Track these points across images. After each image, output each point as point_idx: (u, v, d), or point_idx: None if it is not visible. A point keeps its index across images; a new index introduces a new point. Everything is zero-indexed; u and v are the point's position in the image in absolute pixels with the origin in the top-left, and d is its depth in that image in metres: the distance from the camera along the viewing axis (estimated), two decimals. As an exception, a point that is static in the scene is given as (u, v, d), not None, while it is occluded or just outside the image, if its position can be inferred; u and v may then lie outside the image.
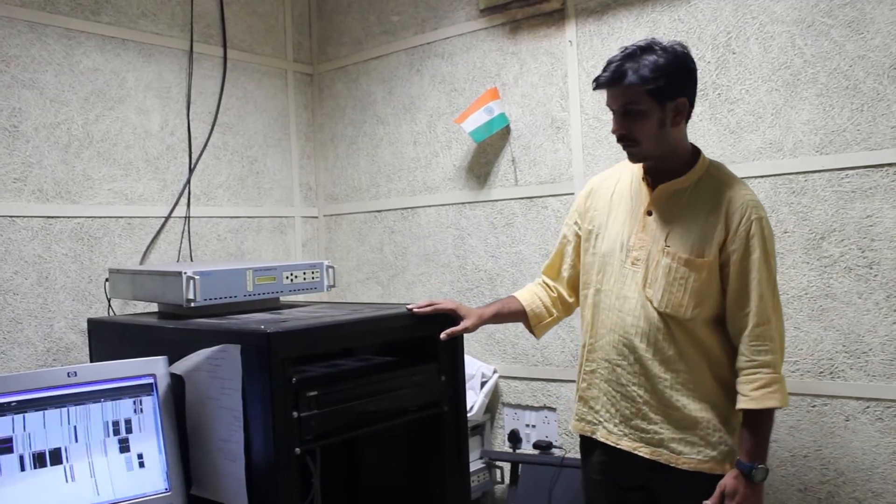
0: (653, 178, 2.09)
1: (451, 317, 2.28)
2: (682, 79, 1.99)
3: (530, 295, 2.36)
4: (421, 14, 3.61)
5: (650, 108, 1.97)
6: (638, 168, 2.13)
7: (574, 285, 2.31)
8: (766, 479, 1.94)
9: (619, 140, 2.05)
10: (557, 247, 2.36)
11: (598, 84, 2.03)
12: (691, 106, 2.04)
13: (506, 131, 3.32)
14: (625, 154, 2.09)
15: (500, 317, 2.36)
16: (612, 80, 2.00)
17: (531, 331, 2.36)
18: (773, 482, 2.63)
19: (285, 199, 3.87)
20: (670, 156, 2.04)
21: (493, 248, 3.39)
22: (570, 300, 2.34)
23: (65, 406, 1.90)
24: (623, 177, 2.18)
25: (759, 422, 1.95)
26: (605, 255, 2.14)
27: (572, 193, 3.13)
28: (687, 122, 2.05)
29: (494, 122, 3.26)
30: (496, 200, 3.37)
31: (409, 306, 2.27)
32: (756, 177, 2.65)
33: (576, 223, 2.28)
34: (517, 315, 2.36)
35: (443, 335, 2.24)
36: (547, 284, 2.37)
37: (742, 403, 1.94)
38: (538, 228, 3.25)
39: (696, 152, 2.08)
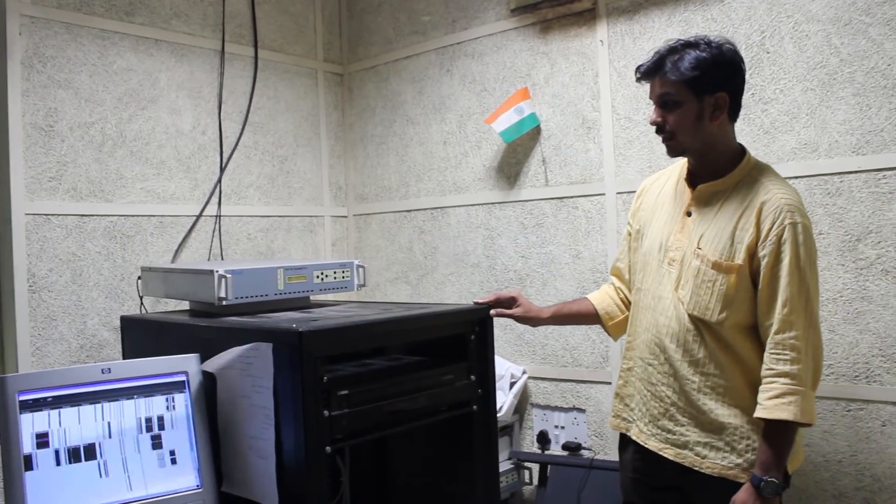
0: (695, 177, 2.07)
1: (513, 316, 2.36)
2: (722, 74, 1.97)
3: (601, 294, 2.38)
4: (451, 14, 3.61)
5: (686, 100, 1.96)
6: (684, 168, 2.12)
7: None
8: (778, 493, 1.87)
9: (657, 131, 2.04)
10: (620, 247, 2.36)
11: (637, 73, 2.04)
12: (735, 103, 2.02)
13: (536, 131, 3.32)
14: (662, 156, 2.08)
15: (560, 317, 2.38)
16: (650, 70, 2.01)
17: (606, 331, 2.36)
18: (806, 488, 2.61)
19: (315, 198, 3.89)
20: (710, 152, 2.02)
21: (523, 248, 3.38)
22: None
23: (99, 402, 1.92)
24: (672, 177, 2.17)
25: (774, 433, 1.87)
26: (646, 254, 2.14)
27: (603, 194, 3.12)
28: (734, 120, 2.03)
29: (525, 122, 3.26)
30: (526, 201, 3.37)
31: (476, 300, 2.37)
32: (790, 178, 2.62)
33: (629, 223, 2.28)
34: (586, 316, 2.37)
35: (492, 312, 2.31)
36: (613, 284, 2.38)
37: (756, 412, 1.90)
38: (568, 229, 3.23)
39: (741, 153, 2.06)
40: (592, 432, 3.19)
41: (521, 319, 2.37)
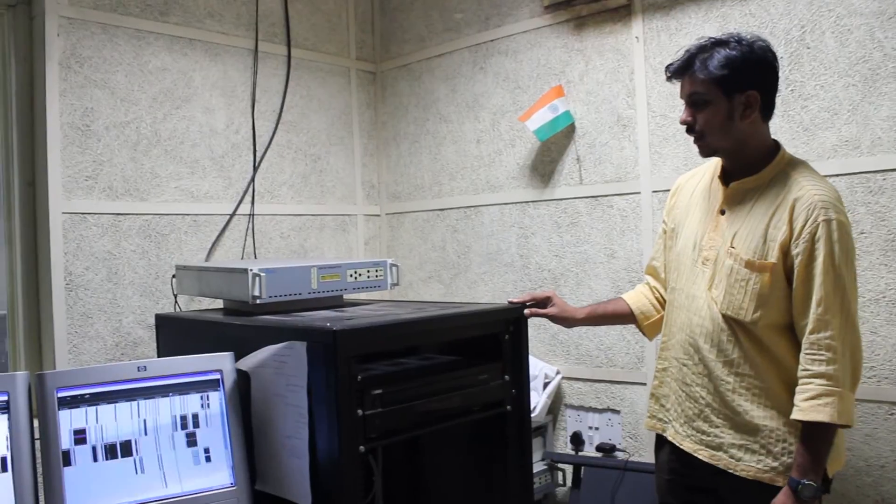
0: (728, 175, 2.06)
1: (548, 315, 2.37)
2: (753, 72, 1.95)
3: (636, 294, 2.37)
4: (484, 11, 3.61)
5: (716, 99, 1.95)
6: (718, 166, 2.10)
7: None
8: (817, 497, 1.84)
9: (687, 131, 2.03)
10: (656, 246, 2.35)
11: (667, 72, 2.03)
12: (767, 101, 2.00)
13: (570, 129, 3.30)
14: (699, 154, 2.07)
15: (595, 317, 2.39)
16: (679, 68, 2.00)
17: (642, 331, 2.36)
18: (847, 492, 2.57)
19: (348, 197, 3.91)
20: (742, 151, 2.00)
21: (558, 247, 3.37)
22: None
23: (135, 399, 1.94)
24: (706, 174, 2.16)
25: (812, 435, 1.85)
26: (680, 253, 2.13)
27: (638, 192, 3.11)
28: (768, 118, 2.01)
29: (559, 120, 3.25)
30: (560, 199, 3.36)
31: (510, 299, 2.38)
32: (831, 175, 2.59)
33: (664, 221, 2.27)
34: (621, 316, 2.36)
35: (527, 311, 2.32)
36: (649, 284, 2.36)
37: (792, 413, 1.87)
38: (603, 228, 3.22)
39: (775, 150, 2.03)
40: (627, 434, 3.17)
41: (555, 319, 2.36)
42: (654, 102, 3.06)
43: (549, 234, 3.40)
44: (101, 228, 2.99)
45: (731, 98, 1.95)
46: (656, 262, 2.32)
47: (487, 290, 3.62)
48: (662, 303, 2.30)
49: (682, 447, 2.08)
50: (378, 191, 4.08)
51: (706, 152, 2.05)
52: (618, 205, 3.18)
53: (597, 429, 3.25)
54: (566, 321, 2.38)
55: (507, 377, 2.28)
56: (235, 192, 3.43)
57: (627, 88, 3.14)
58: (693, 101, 1.99)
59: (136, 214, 3.09)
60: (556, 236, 3.38)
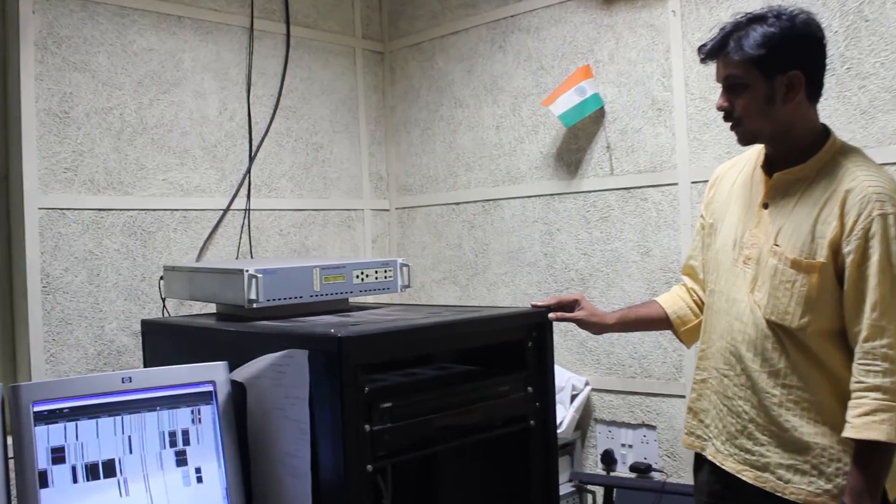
0: (772, 164, 2.03)
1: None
2: (795, 49, 1.93)
3: (672, 297, 2.34)
4: (504, -17, 3.61)
5: (754, 82, 1.92)
6: (761, 154, 2.08)
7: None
8: None
9: (724, 118, 2.01)
10: (693, 242, 2.33)
11: (701, 54, 2.01)
12: (813, 81, 1.97)
13: (600, 114, 3.29)
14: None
15: (627, 323, 2.36)
16: (713, 49, 1.98)
17: (679, 338, 2.33)
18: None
19: (354, 190, 3.91)
20: (786, 138, 1.98)
21: (586, 245, 3.36)
22: None
23: (119, 414, 1.94)
24: (749, 164, 2.13)
25: (866, 455, 1.81)
26: (719, 251, 2.10)
27: (675, 184, 3.09)
28: (815, 100, 1.98)
29: (587, 104, 3.24)
30: (589, 192, 3.34)
31: (534, 302, 2.36)
32: (890, 164, 2.56)
33: (702, 215, 2.25)
34: (655, 321, 2.34)
35: (552, 315, 2.30)
36: (686, 285, 2.35)
37: (844, 430, 1.85)
38: (637, 223, 3.20)
39: (824, 136, 2.01)
40: (664, 452, 3.15)
41: (583, 324, 2.35)
42: (693, 83, 3.04)
43: (576, 230, 3.39)
44: (81, 225, 3.00)
45: (772, 80, 1.92)
46: (694, 261, 2.30)
47: (508, 292, 3.61)
48: (701, 306, 2.28)
49: (723, 467, 2.06)
50: (387, 183, 4.07)
51: (745, 140, 2.03)
52: (653, 197, 3.16)
53: (630, 446, 3.24)
54: (595, 327, 2.36)
55: (530, 389, 2.27)
56: (229, 185, 3.43)
57: (663, 68, 3.13)
58: (729, 85, 1.97)
59: (120, 210, 3.10)
60: (585, 233, 3.36)
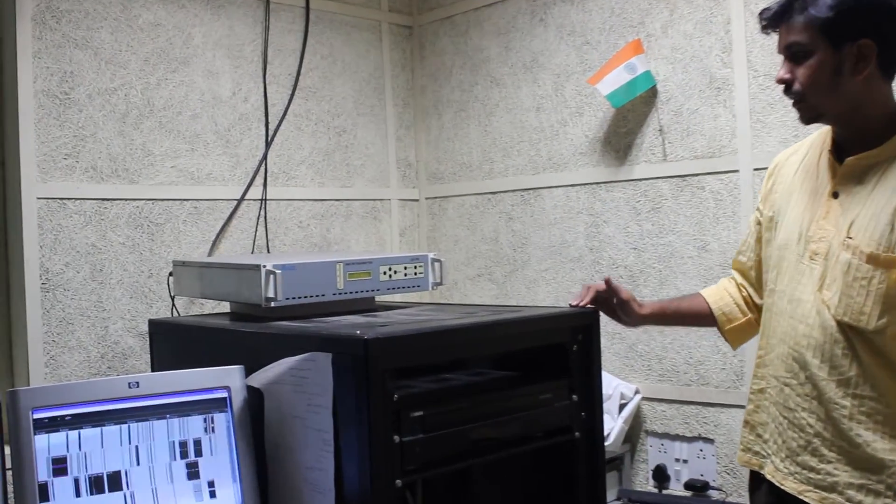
0: (841, 149, 2.01)
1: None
2: (869, 16, 1.90)
3: (718, 290, 2.32)
4: (546, -51, 3.60)
5: (820, 50, 1.90)
6: (828, 138, 2.06)
7: (761, 284, 2.25)
8: None
9: (785, 91, 1.99)
10: (744, 236, 2.32)
11: (762, 20, 2.00)
12: (888, 54, 1.94)
13: (651, 94, 3.28)
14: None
15: (664, 315, 2.35)
16: (776, 15, 1.96)
17: (723, 336, 2.32)
18: None
19: (380, 178, 3.92)
20: (855, 116, 1.96)
21: (636, 238, 3.35)
22: (760, 302, 2.27)
23: (125, 422, 1.96)
24: (813, 149, 2.11)
25: None
26: (781, 247, 2.08)
27: (736, 171, 3.07)
28: (889, 76, 1.96)
29: (637, 83, 3.23)
30: (639, 180, 3.34)
31: (572, 302, 2.35)
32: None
33: (758, 208, 2.23)
34: (696, 316, 2.33)
35: (573, 301, 2.31)
36: (735, 279, 2.33)
37: None
38: (693, 214, 3.19)
39: None
40: (723, 468, 3.14)
41: (620, 308, 2.31)
42: (756, 59, 3.02)
43: (625, 222, 3.38)
44: (83, 217, 3.03)
45: (840, 49, 1.90)
46: (744, 256, 2.28)
47: (550, 290, 3.61)
48: (750, 304, 2.27)
49: (783, 487, 2.04)
50: (416, 170, 4.08)
51: (808, 117, 2.01)
52: (711, 186, 3.15)
53: (685, 461, 3.23)
54: (628, 318, 2.33)
55: (574, 397, 2.27)
56: (244, 173, 3.45)
57: (723, 43, 3.11)
58: (792, 54, 1.95)
59: (126, 200, 3.12)
60: (635, 225, 3.35)
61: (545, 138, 3.63)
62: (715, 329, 2.33)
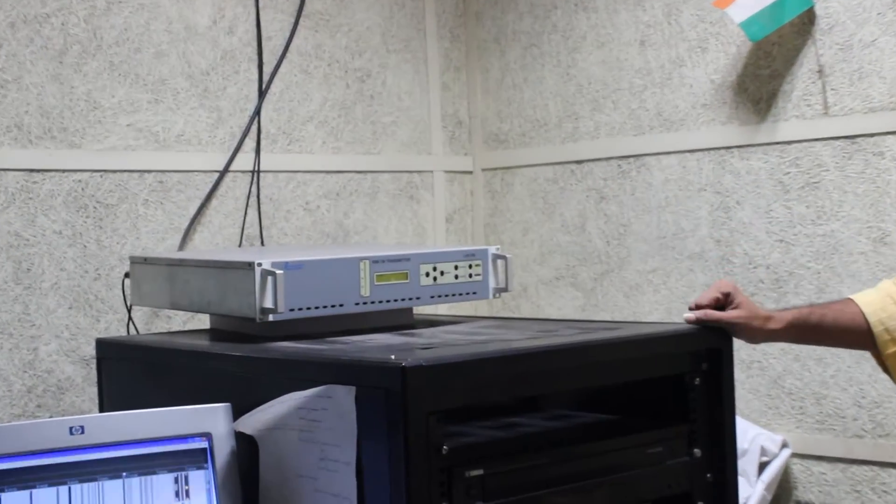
0: None
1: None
2: None
3: (880, 297, 2.32)
4: None
5: None
6: None
7: None
8: None
9: None
10: None
11: None
12: None
13: (806, 19, 3.26)
14: None
15: (806, 329, 2.34)
16: None
17: (882, 362, 2.32)
18: None
19: (418, 141, 3.93)
20: None
21: (784, 226, 3.33)
22: None
23: (64, 483, 1.97)
24: None
25: None
26: None
27: (930, 129, 3.06)
28: None
29: (785, 5, 3.21)
30: (788, 143, 3.32)
31: (686, 316, 2.34)
32: None
33: None
34: (846, 330, 2.32)
35: (688, 316, 2.30)
36: None
37: None
38: (866, 191, 3.17)
39: None
40: (909, 556, 3.12)
41: (739, 330, 2.32)
42: (959, -31, 3.00)
43: (767, 202, 3.37)
44: (5, 195, 3.05)
45: None
46: None
47: (659, 300, 3.61)
48: None
49: None
50: (469, 131, 4.09)
51: None
52: (893, 151, 3.12)
53: (854, 545, 3.22)
54: (756, 333, 2.33)
55: (697, 452, 2.28)
56: (228, 134, 3.47)
57: (911, -55, 3.09)
58: None
59: (63, 171, 3.15)
60: (782, 207, 3.34)
61: (653, 85, 3.63)
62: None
